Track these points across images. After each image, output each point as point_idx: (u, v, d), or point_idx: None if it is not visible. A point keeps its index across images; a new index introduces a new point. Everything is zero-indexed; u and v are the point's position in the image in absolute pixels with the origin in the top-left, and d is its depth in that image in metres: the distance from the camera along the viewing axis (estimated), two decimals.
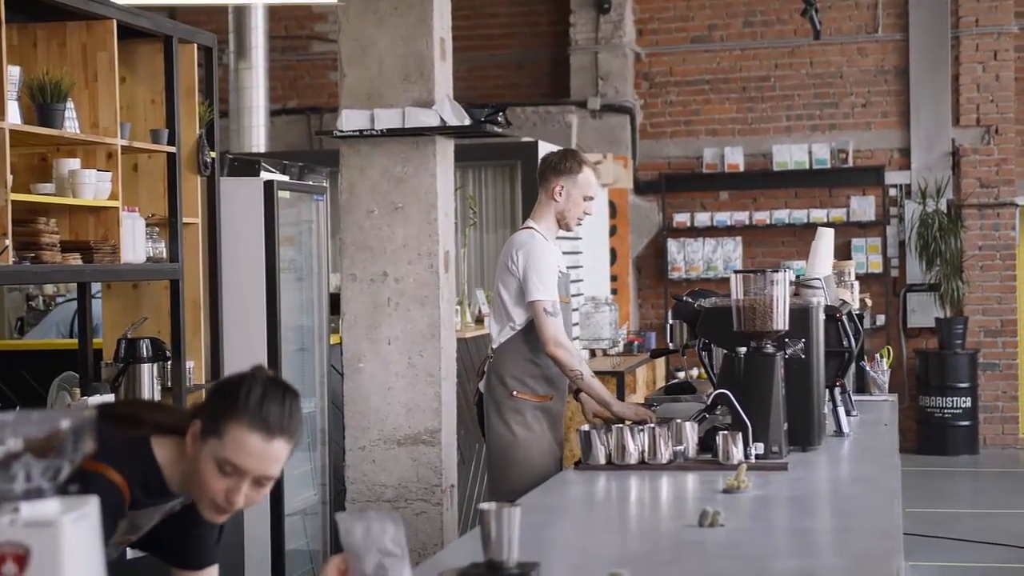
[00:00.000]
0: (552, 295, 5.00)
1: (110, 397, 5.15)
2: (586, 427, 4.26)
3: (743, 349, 4.29)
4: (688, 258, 12.57)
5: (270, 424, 2.49)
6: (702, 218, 12.55)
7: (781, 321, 4.30)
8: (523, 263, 5.02)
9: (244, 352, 6.03)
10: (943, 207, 12.00)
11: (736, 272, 4.37)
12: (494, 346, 5.17)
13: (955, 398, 11.83)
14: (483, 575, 2.61)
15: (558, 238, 5.27)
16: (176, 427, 2.63)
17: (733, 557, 2.95)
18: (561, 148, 5.43)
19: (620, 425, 4.23)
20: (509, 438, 5.05)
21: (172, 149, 5.49)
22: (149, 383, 5.38)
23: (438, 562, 2.87)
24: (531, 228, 5.17)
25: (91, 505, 1.77)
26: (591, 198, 5.20)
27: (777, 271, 4.33)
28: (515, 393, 5.07)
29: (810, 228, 12.20)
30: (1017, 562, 7.89)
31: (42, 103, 4.76)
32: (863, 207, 12.28)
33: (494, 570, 2.64)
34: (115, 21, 5.13)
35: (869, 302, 7.78)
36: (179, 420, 2.64)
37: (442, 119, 5.54)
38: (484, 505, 2.64)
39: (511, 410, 5.08)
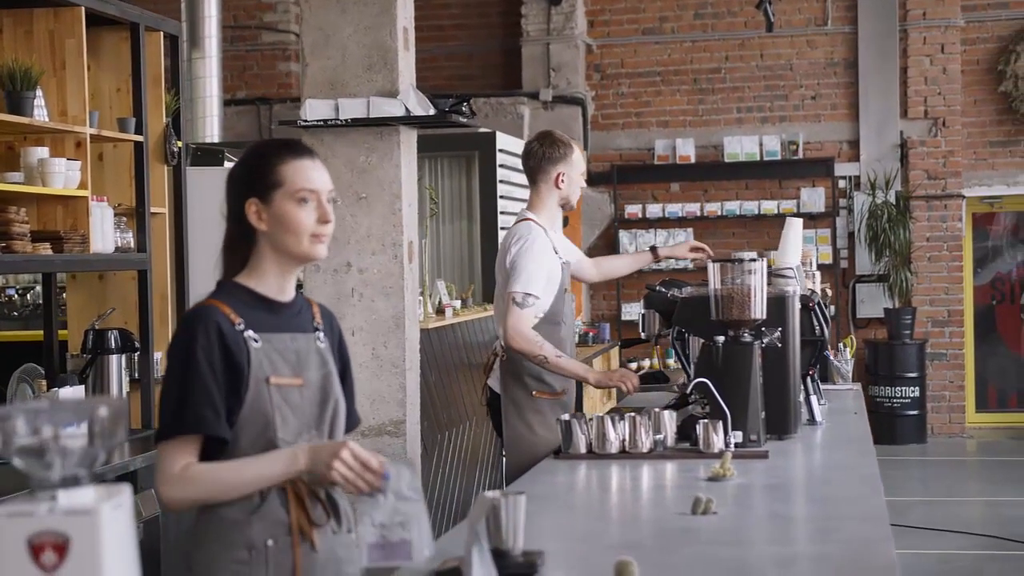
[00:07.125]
0: (529, 288, 4.89)
1: (80, 389, 5.08)
2: (566, 416, 4.26)
3: (721, 338, 4.31)
4: (640, 249, 12.60)
5: (304, 149, 2.81)
6: (654, 209, 12.59)
7: (759, 310, 4.31)
8: (514, 253, 4.92)
9: None
10: (892, 199, 12.11)
11: (715, 261, 4.37)
12: (504, 344, 5.02)
13: (903, 387, 11.96)
14: None
15: None
16: (231, 269, 2.81)
17: (734, 544, 2.96)
18: (539, 134, 5.21)
19: (602, 414, 4.23)
20: (531, 438, 4.95)
21: (140, 138, 5.43)
22: (118, 375, 5.32)
23: (437, 550, 2.85)
24: (530, 220, 5.05)
25: (126, 494, 1.75)
26: (584, 173, 5.18)
27: (755, 260, 4.34)
28: (535, 393, 4.99)
29: (760, 219, 12.31)
30: (969, 549, 7.99)
31: (11, 90, 4.70)
32: (813, 199, 12.37)
33: (500, 557, 2.64)
34: (83, 8, 5.07)
35: (830, 291, 7.86)
36: (229, 261, 2.80)
37: (407, 109, 5.51)
38: (490, 493, 2.64)
39: (532, 410, 4.99)
